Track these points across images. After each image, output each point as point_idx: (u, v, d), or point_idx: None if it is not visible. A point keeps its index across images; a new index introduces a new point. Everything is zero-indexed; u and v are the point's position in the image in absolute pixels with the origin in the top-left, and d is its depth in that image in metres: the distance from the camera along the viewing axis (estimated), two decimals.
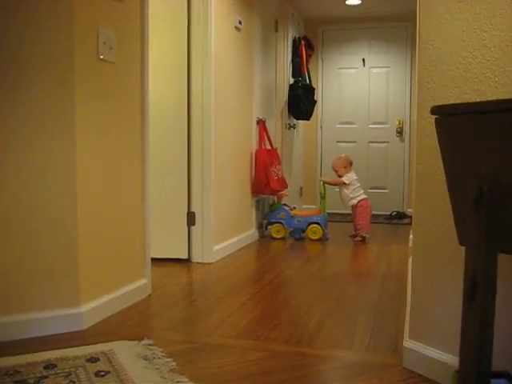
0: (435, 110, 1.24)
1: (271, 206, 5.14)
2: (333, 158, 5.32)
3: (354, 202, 4.99)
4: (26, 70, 2.24)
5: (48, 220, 2.32)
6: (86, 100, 2.41)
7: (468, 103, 1.27)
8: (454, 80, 1.77)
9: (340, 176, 5.06)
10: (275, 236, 4.94)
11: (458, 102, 1.72)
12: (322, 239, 4.87)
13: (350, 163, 5.11)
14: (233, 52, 4.31)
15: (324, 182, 5.07)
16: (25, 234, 2.28)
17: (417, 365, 1.94)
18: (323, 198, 5.00)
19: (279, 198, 5.10)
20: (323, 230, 4.89)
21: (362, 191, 5.07)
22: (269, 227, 5.02)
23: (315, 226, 4.89)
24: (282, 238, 4.91)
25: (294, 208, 5.25)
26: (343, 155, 5.25)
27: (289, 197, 5.43)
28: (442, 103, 1.70)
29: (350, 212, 5.15)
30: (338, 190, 5.21)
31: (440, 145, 1.26)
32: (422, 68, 1.91)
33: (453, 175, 1.24)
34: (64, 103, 2.32)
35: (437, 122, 1.24)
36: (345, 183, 4.99)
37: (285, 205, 5.08)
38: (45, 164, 2.30)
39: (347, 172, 5.04)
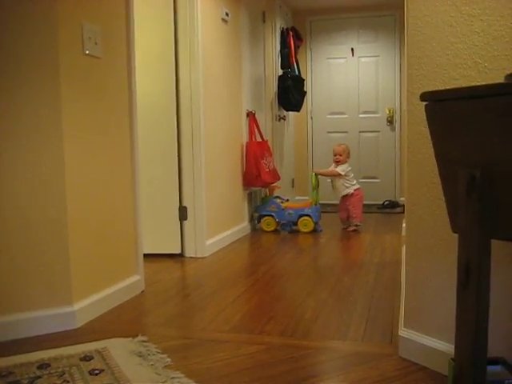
0: (425, 96, 1.23)
1: (263, 198, 5.11)
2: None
3: (351, 191, 4.98)
4: (9, 67, 2.20)
5: (38, 219, 2.29)
6: (72, 96, 2.38)
7: (458, 88, 1.26)
8: (443, 66, 1.75)
9: (339, 161, 5.00)
10: (266, 229, 4.91)
11: (448, 88, 1.71)
12: (315, 231, 4.85)
13: (349, 153, 5.14)
14: (220, 44, 4.27)
15: (316, 174, 5.04)
16: (15, 233, 2.25)
17: (412, 354, 1.94)
18: (315, 189, 4.98)
19: (271, 191, 5.07)
20: (314, 223, 4.86)
21: (355, 180, 5.08)
22: (260, 220, 4.99)
23: (306, 218, 4.85)
24: (274, 231, 4.89)
25: (287, 200, 5.22)
26: (343, 144, 5.24)
27: (281, 189, 5.41)
28: (431, 90, 1.69)
29: (340, 202, 5.13)
30: (329, 180, 5.20)
31: (431, 131, 1.25)
32: (410, 55, 1.89)
33: (444, 162, 1.23)
34: (50, 99, 2.28)
35: (427, 108, 1.23)
36: (340, 174, 4.98)
37: (277, 197, 5.05)
38: (32, 162, 2.27)
39: (346, 161, 5.03)
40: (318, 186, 4.98)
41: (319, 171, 5.20)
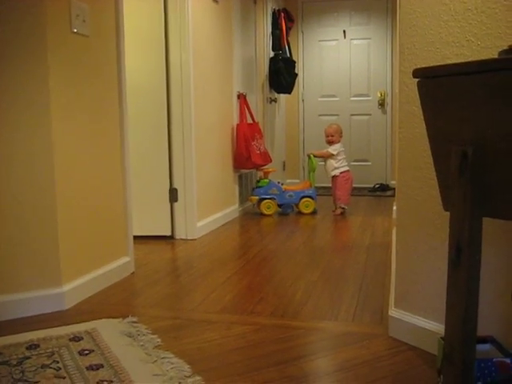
0: (417, 73, 1.21)
1: (258, 181, 5.03)
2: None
3: (337, 172, 4.97)
4: None
5: (27, 201, 2.27)
6: (60, 75, 2.34)
7: (450, 64, 1.25)
8: (436, 45, 1.74)
9: (332, 142, 5.00)
10: (266, 212, 4.85)
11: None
12: (315, 213, 4.87)
13: (342, 134, 5.11)
14: (211, 25, 4.22)
15: (313, 155, 5.02)
16: (4, 215, 2.23)
17: (402, 333, 1.94)
18: (313, 171, 4.97)
19: (266, 174, 5.01)
20: (315, 203, 4.89)
21: (345, 163, 5.06)
22: (258, 203, 4.92)
23: (308, 199, 4.89)
24: (272, 214, 4.86)
25: (281, 183, 5.19)
26: (335, 123, 5.24)
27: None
28: None
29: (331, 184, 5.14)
30: (323, 163, 5.18)
31: (423, 109, 1.23)
32: (403, 34, 1.87)
33: (436, 140, 1.21)
34: (37, 78, 2.25)
35: (419, 84, 1.21)
36: (332, 154, 4.96)
37: (271, 180, 5.01)
38: (21, 144, 2.23)
39: (338, 141, 5.01)
40: (315, 168, 4.97)
41: (314, 152, 5.15)
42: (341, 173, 4.97)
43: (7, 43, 2.18)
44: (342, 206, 4.90)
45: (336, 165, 4.98)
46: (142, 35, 3.64)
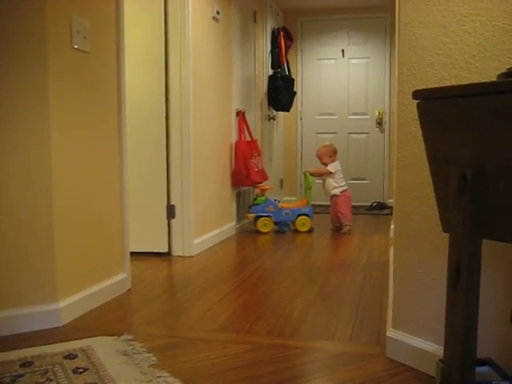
0: (417, 94, 1.21)
1: (255, 199, 5.01)
2: (318, 147, 5.26)
3: (337, 191, 4.97)
4: None
5: (24, 215, 2.26)
6: (60, 90, 2.35)
7: (450, 86, 1.25)
8: (434, 66, 1.75)
9: (324, 164, 5.02)
10: (262, 230, 4.80)
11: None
12: (311, 231, 4.85)
13: (335, 152, 5.09)
14: (211, 43, 4.25)
15: (309, 173, 5.02)
16: (0, 230, 2.22)
17: (400, 354, 1.93)
18: (309, 189, 4.95)
19: (263, 191, 4.99)
20: (312, 222, 4.87)
21: (344, 182, 5.07)
22: (255, 221, 4.89)
23: (304, 217, 4.86)
24: (268, 232, 4.82)
25: (277, 201, 5.19)
26: (328, 143, 5.24)
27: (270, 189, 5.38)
28: None
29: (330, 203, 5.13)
30: (320, 181, 5.17)
31: (422, 130, 1.24)
32: (401, 54, 1.88)
33: (436, 160, 1.22)
34: (38, 94, 2.25)
35: (419, 106, 1.22)
36: (331, 172, 4.97)
37: (268, 198, 4.99)
38: (20, 159, 2.23)
39: (332, 161, 5.02)
40: (312, 186, 4.97)
41: (310, 170, 5.14)
42: (341, 192, 4.98)
43: (8, 57, 2.19)
44: (347, 224, 4.87)
45: (335, 184, 4.99)
46: (142, 52, 3.66)
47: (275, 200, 5.03)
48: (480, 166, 1.10)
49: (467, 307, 1.14)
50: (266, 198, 4.92)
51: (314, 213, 5.07)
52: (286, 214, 4.88)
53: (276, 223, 4.89)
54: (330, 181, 5.00)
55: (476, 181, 1.11)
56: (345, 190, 5.01)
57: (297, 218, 4.87)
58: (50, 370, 1.85)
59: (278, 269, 3.45)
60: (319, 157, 5.09)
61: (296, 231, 4.87)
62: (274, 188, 5.53)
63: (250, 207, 5.00)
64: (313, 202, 5.06)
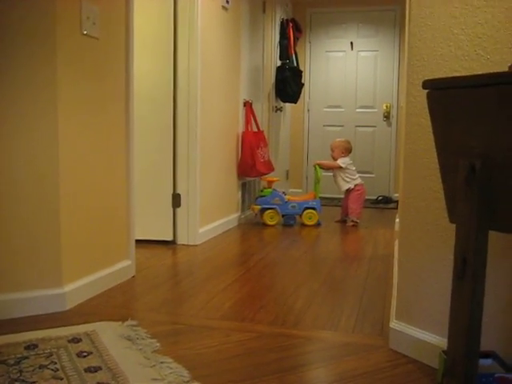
0: (427, 84, 1.21)
1: (262, 191, 4.95)
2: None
3: (351, 186, 4.92)
4: (5, 46, 2.17)
5: (30, 200, 2.27)
6: (68, 76, 2.35)
7: (460, 76, 1.25)
8: (445, 58, 1.74)
9: (334, 158, 4.98)
10: (269, 223, 4.73)
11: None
12: (319, 225, 4.80)
13: (348, 150, 5.02)
14: (220, 32, 4.24)
15: (319, 166, 4.96)
16: (7, 214, 2.23)
17: (403, 346, 1.93)
18: (318, 182, 4.88)
19: (270, 183, 4.92)
20: (319, 215, 4.79)
21: (357, 175, 5.01)
22: (260, 213, 4.81)
23: (311, 211, 4.77)
24: (275, 225, 4.76)
25: (285, 193, 5.12)
26: (344, 139, 5.18)
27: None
28: None
29: (342, 196, 5.08)
30: (331, 173, 5.11)
31: (431, 120, 1.23)
32: (412, 46, 1.87)
33: (444, 152, 1.21)
34: (46, 80, 2.25)
35: (428, 96, 1.21)
36: (341, 167, 4.92)
37: (275, 190, 4.92)
38: (27, 145, 2.24)
39: (343, 157, 4.96)
40: (321, 179, 4.91)
41: (321, 162, 5.07)
42: (355, 186, 4.92)
43: (18, 42, 2.19)
44: (355, 220, 4.82)
45: (348, 179, 4.93)
46: (150, 41, 3.66)
47: (283, 192, 4.97)
48: (489, 158, 1.10)
49: (472, 299, 1.14)
50: (273, 190, 4.83)
51: (323, 205, 5.01)
52: (292, 206, 4.79)
53: (283, 216, 4.83)
54: (341, 176, 4.96)
55: (484, 172, 1.10)
56: (358, 184, 4.94)
57: (303, 211, 4.78)
58: (55, 353, 1.86)
59: (283, 259, 3.46)
60: (332, 148, 5.02)
61: (303, 224, 4.79)
62: (280, 180, 5.48)
63: (256, 199, 4.95)
64: (322, 195, 5.00)
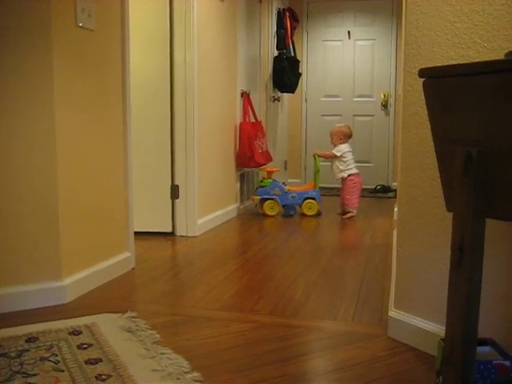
0: (423, 73, 1.21)
1: (261, 181, 4.94)
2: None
3: (344, 175, 4.83)
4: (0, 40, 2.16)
5: (28, 193, 2.27)
6: (64, 69, 2.34)
7: (456, 64, 1.24)
8: (441, 46, 1.73)
9: (334, 144, 4.90)
10: (269, 213, 4.73)
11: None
12: (319, 215, 4.78)
13: (347, 135, 4.91)
14: (216, 23, 4.22)
15: (317, 156, 4.92)
16: (5, 208, 2.23)
17: (402, 334, 1.94)
18: (318, 172, 4.83)
19: (270, 173, 4.91)
20: (319, 205, 4.78)
21: (353, 165, 4.89)
22: (260, 204, 4.81)
23: (311, 201, 4.75)
24: (275, 215, 4.76)
25: (284, 183, 5.09)
26: (343, 124, 5.10)
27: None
28: None
29: (339, 186, 5.02)
30: (328, 163, 5.07)
31: (428, 109, 1.23)
32: (408, 34, 1.87)
33: (441, 140, 1.21)
34: (41, 72, 2.25)
35: (425, 84, 1.21)
36: (336, 155, 4.83)
37: (275, 180, 4.92)
38: (23, 137, 2.23)
39: (342, 143, 4.86)
40: (319, 169, 4.85)
41: (318, 152, 5.01)
42: (348, 175, 4.83)
43: (12, 35, 2.18)
44: (351, 211, 4.75)
45: (342, 167, 4.84)
46: (146, 33, 3.64)
47: (282, 183, 4.96)
48: (485, 145, 1.10)
49: (470, 287, 1.15)
50: (273, 181, 4.83)
51: (323, 195, 4.97)
52: (292, 197, 4.78)
53: (283, 206, 4.82)
54: (336, 164, 4.88)
55: (481, 160, 1.10)
56: (353, 174, 4.84)
57: (303, 201, 4.77)
58: (55, 346, 1.87)
59: (282, 249, 3.47)
60: (331, 135, 4.95)
61: (303, 215, 4.79)
62: (279, 170, 5.45)
63: (256, 189, 4.94)
64: (322, 185, 4.96)
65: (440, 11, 1.73)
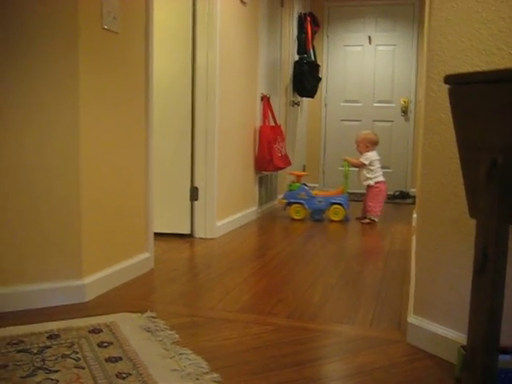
0: (449, 79, 1.21)
1: (290, 185, 4.92)
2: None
3: (371, 182, 4.78)
4: (28, 41, 2.20)
5: (51, 192, 2.30)
6: (89, 70, 2.37)
7: (482, 71, 1.24)
8: (466, 52, 1.73)
9: (360, 152, 4.86)
10: (295, 217, 4.72)
11: None
12: (346, 220, 4.73)
13: (373, 143, 4.87)
14: (238, 26, 4.25)
15: (347, 162, 4.85)
16: (28, 207, 2.26)
17: (420, 340, 1.93)
18: (346, 177, 4.79)
19: (299, 178, 4.90)
20: (345, 211, 4.73)
21: (380, 173, 4.83)
22: (288, 207, 4.81)
23: (338, 206, 4.70)
24: (301, 219, 4.73)
25: (313, 188, 5.03)
26: (369, 131, 5.07)
27: (310, 176, 5.21)
28: None
29: (364, 192, 4.95)
30: (357, 169, 4.99)
31: (453, 115, 1.23)
32: (432, 40, 1.87)
33: (466, 146, 1.21)
34: (67, 74, 2.28)
35: (450, 91, 1.21)
36: (364, 164, 4.78)
37: (304, 185, 4.89)
38: (47, 137, 2.27)
39: (368, 151, 4.82)
40: (348, 175, 4.80)
41: (348, 158, 4.92)
42: (376, 183, 4.78)
43: (40, 36, 2.22)
44: (372, 218, 4.71)
45: (368, 175, 4.79)
46: (169, 35, 3.68)
47: (308, 187, 4.92)
48: (510, 152, 1.10)
49: (493, 293, 1.14)
50: (301, 185, 4.81)
51: (351, 200, 4.92)
52: (319, 201, 4.74)
53: (311, 211, 4.78)
54: (363, 172, 4.84)
55: (506, 167, 1.10)
56: (379, 182, 4.79)
57: (330, 206, 4.73)
58: (76, 343, 1.89)
59: (300, 253, 3.47)
60: (357, 143, 4.91)
61: (331, 220, 4.72)
62: (309, 174, 5.37)
63: (285, 193, 4.93)
64: (351, 191, 4.91)
65: (465, 18, 1.73)
